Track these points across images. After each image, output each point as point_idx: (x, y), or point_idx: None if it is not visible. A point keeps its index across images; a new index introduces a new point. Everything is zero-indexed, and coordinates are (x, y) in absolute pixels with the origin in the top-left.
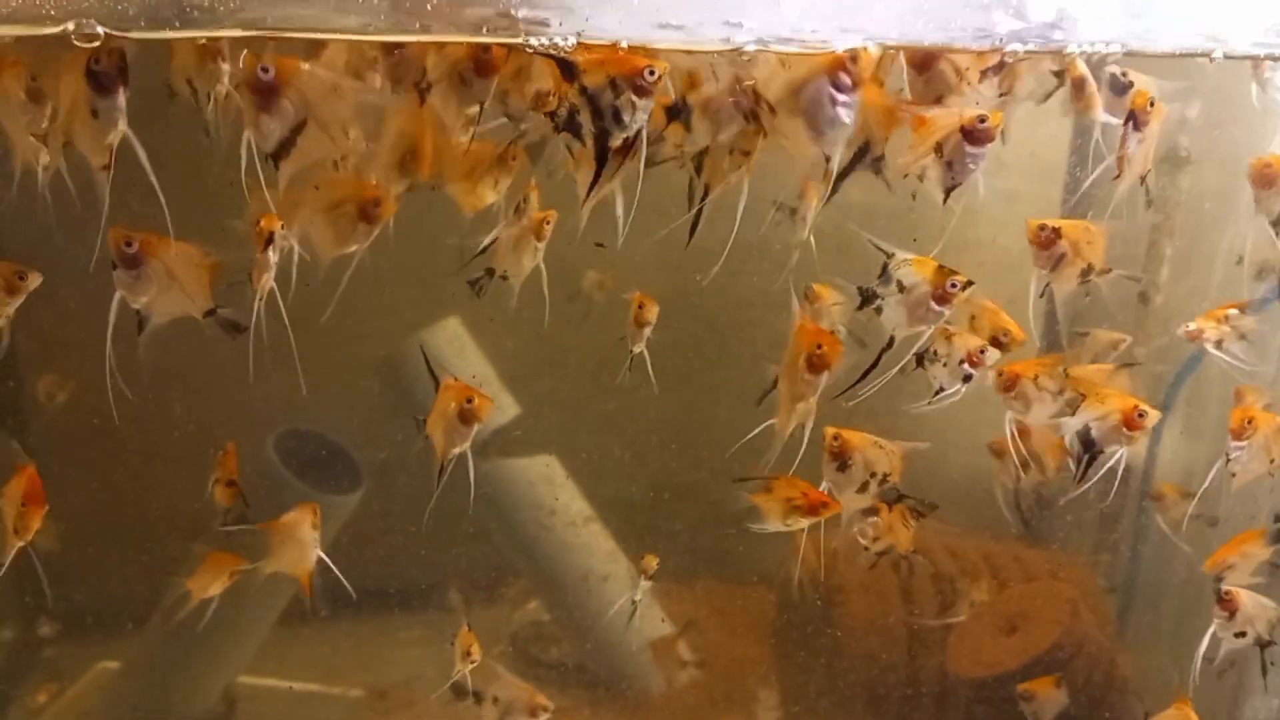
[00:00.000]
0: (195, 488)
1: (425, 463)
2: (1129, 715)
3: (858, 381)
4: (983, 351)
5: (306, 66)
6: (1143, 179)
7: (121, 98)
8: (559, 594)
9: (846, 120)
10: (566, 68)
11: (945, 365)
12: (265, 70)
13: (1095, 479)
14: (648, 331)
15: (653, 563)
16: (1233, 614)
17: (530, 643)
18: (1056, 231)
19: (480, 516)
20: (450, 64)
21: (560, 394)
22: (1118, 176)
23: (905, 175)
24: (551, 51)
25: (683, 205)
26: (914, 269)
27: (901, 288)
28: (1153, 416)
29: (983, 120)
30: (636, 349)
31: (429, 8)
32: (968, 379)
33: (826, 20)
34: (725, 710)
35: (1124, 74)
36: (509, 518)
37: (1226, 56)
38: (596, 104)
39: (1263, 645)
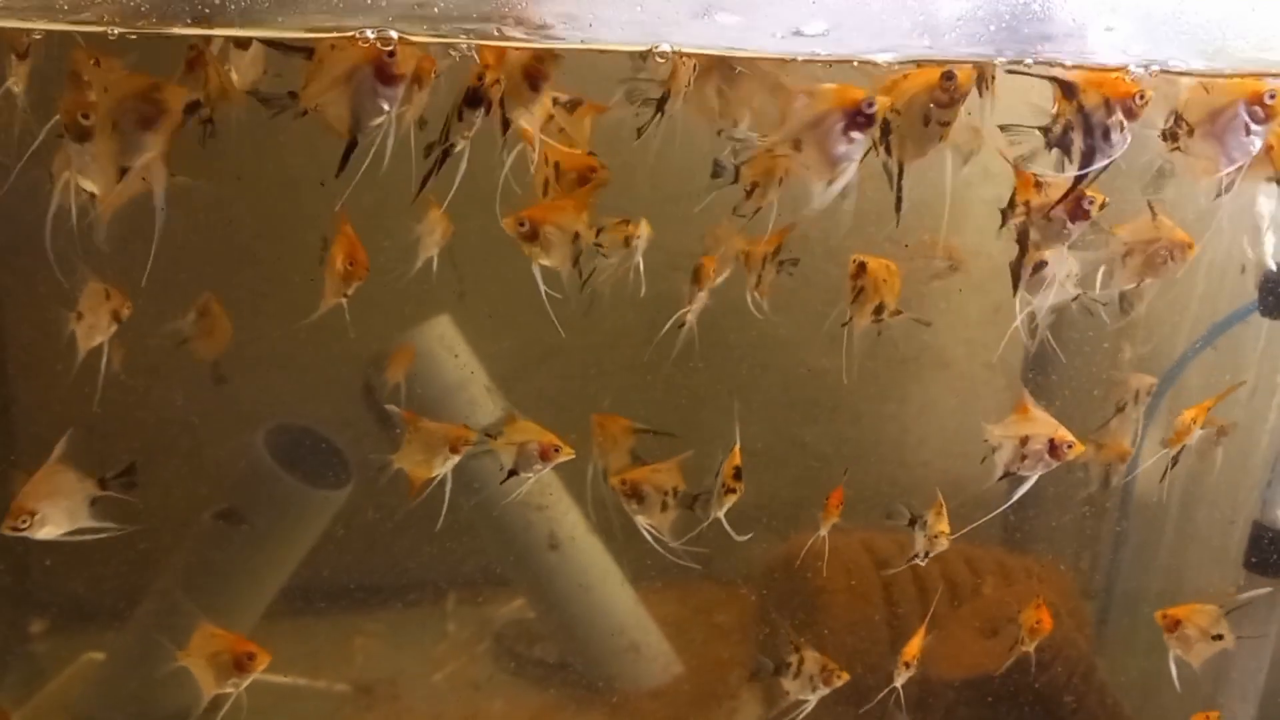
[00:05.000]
0: (184, 480)
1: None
2: (1106, 718)
3: None
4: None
5: None
6: None
7: None
8: (544, 591)
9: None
10: (1068, 88)
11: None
12: None
13: None
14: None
15: None
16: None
17: (515, 640)
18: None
19: (467, 513)
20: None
21: (549, 393)
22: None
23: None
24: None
25: (674, 210)
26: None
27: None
28: None
29: None
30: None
31: None
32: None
33: None
34: (708, 709)
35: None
36: (495, 514)
37: None
38: (1089, 122)
39: None
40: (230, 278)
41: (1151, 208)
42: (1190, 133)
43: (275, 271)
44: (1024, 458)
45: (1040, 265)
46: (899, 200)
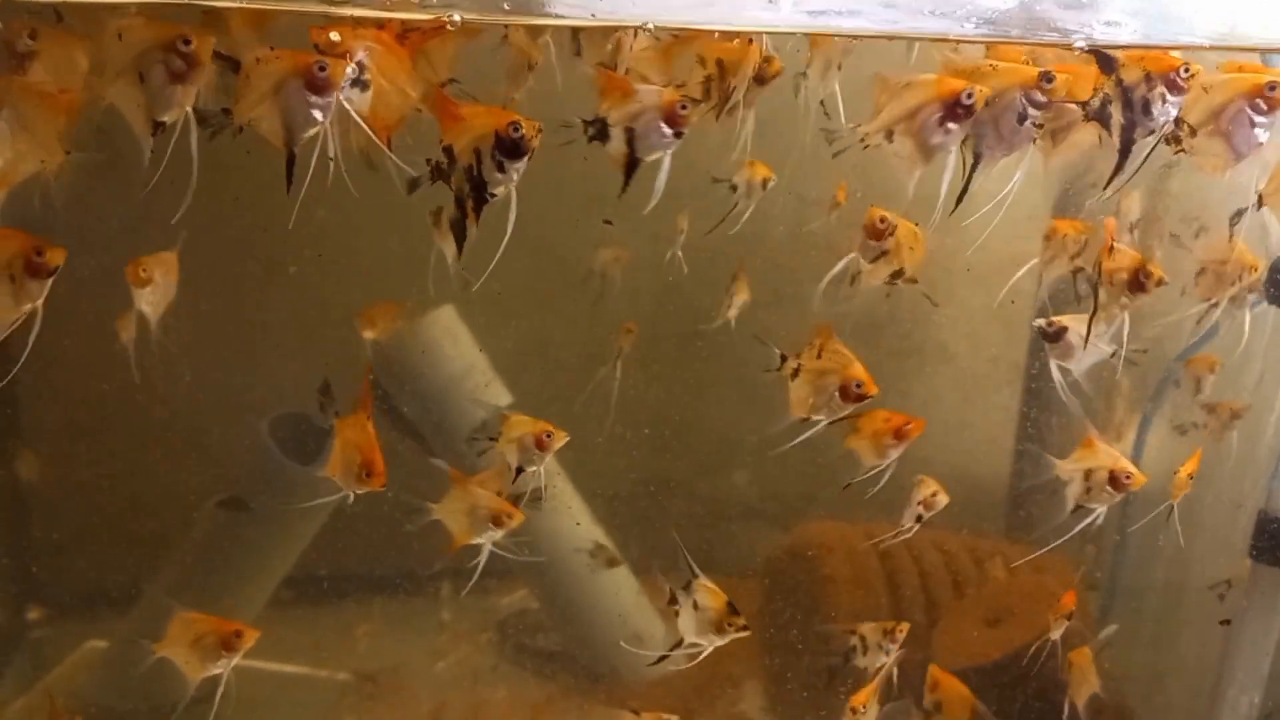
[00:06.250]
0: (188, 468)
1: (414, 446)
2: (1108, 709)
3: None
4: (935, 495)
5: None
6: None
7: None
8: (547, 582)
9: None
10: (1106, 61)
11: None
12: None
13: None
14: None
15: None
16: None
17: (518, 630)
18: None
19: None
20: None
21: (553, 384)
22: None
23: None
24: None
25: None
26: (709, 596)
27: (696, 607)
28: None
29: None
30: None
31: None
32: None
33: None
34: (712, 699)
35: None
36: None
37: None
38: (1129, 97)
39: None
40: (235, 267)
41: (1230, 228)
42: (1193, 133)
43: (278, 260)
44: (1088, 490)
45: (1061, 332)
46: (964, 193)
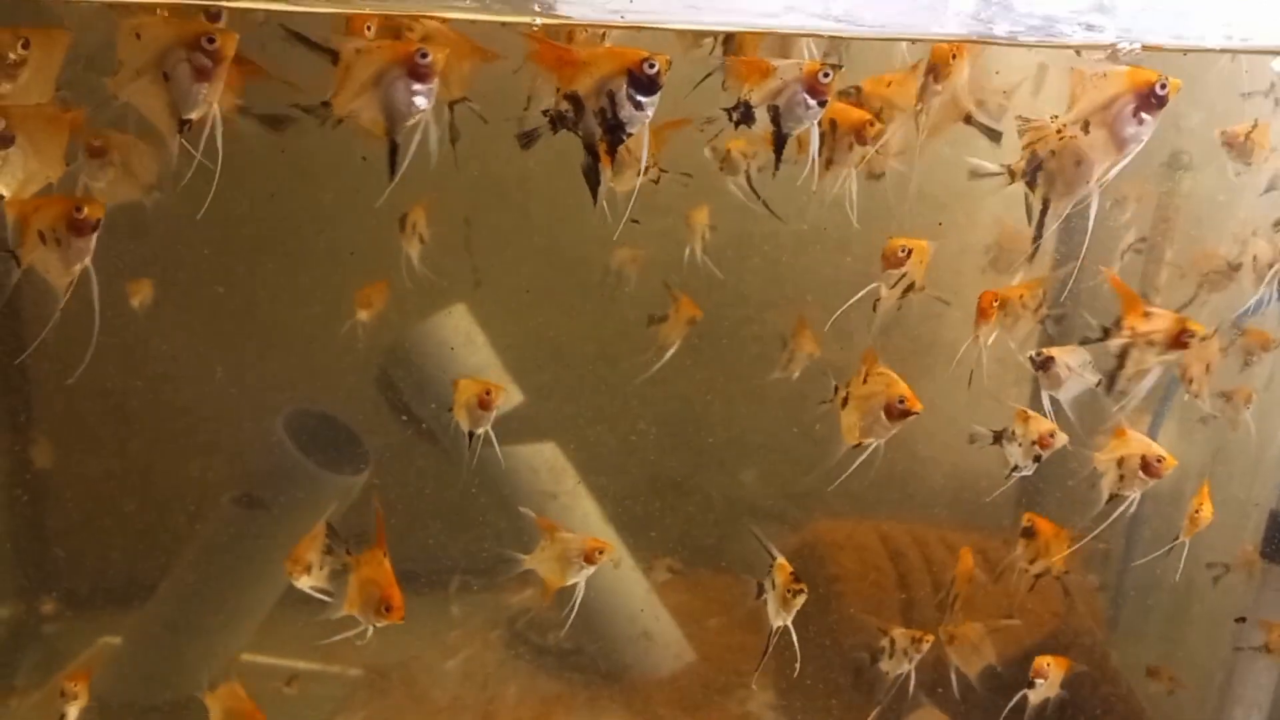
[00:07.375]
0: (200, 465)
1: (428, 445)
2: (1119, 705)
3: None
4: (1052, 435)
5: None
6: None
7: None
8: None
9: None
10: None
11: (1020, 445)
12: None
13: None
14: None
15: None
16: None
17: (528, 628)
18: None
19: (482, 500)
20: None
21: (564, 383)
22: None
23: None
24: None
25: (677, 208)
26: (780, 574)
27: (773, 585)
28: None
29: None
30: None
31: None
32: (1038, 459)
33: None
34: (721, 697)
35: None
36: (510, 502)
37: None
38: None
39: None
40: (249, 266)
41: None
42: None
43: (294, 260)
44: (1122, 478)
45: (1049, 362)
46: (1037, 239)
